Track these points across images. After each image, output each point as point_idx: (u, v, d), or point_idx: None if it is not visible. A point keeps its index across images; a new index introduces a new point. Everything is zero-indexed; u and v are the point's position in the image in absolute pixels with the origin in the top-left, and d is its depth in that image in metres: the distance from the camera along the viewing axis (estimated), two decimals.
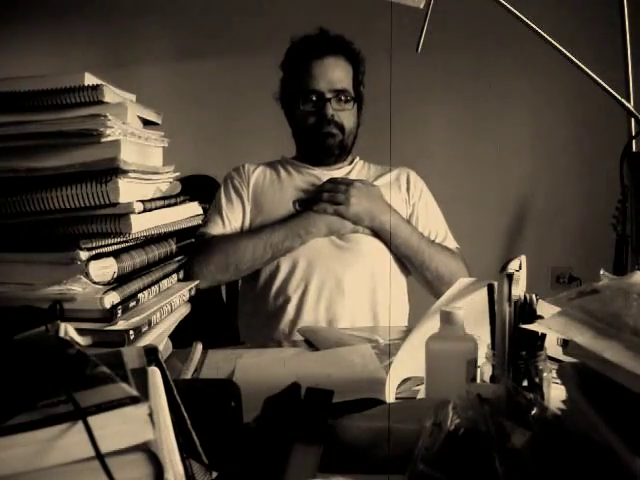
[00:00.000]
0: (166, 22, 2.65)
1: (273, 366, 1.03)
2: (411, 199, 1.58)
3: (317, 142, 1.53)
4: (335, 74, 1.49)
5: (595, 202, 2.36)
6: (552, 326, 0.59)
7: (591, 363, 0.55)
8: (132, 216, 0.81)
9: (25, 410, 0.43)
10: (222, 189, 1.56)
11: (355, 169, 1.61)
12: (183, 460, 0.49)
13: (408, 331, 1.26)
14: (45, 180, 0.79)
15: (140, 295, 0.88)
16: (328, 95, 1.48)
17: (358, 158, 1.64)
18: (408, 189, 1.59)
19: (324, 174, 1.55)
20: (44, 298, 0.77)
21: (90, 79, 0.83)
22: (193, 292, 1.09)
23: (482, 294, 0.80)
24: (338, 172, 1.58)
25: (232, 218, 1.51)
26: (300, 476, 0.62)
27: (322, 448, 0.67)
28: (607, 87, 1.19)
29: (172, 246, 1.01)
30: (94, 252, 0.80)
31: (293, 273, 1.42)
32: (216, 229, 1.49)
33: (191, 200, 1.06)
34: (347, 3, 2.38)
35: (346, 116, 1.52)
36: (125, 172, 0.81)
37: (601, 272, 0.68)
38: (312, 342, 1.18)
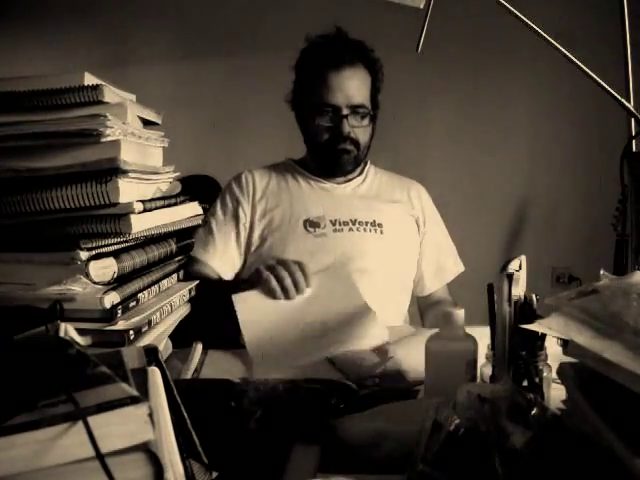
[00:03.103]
0: (166, 22, 2.65)
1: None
2: (425, 223, 1.55)
3: (331, 158, 1.48)
4: (353, 87, 1.42)
5: (595, 202, 2.36)
6: (552, 326, 0.59)
7: (591, 363, 0.55)
8: (132, 216, 0.81)
9: (25, 410, 0.43)
10: (218, 204, 1.51)
11: (367, 181, 1.56)
12: (183, 460, 0.49)
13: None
14: (45, 180, 0.79)
15: (140, 295, 0.88)
16: (345, 111, 1.42)
17: (369, 164, 1.60)
18: (421, 210, 1.56)
19: (334, 187, 1.52)
20: (44, 298, 0.77)
21: (90, 79, 0.83)
22: (193, 292, 1.09)
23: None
24: (349, 185, 1.54)
25: (223, 243, 1.46)
26: (300, 476, 0.62)
27: (322, 448, 0.67)
28: (607, 87, 1.19)
29: (172, 246, 1.01)
30: (94, 252, 0.80)
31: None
32: (205, 256, 1.45)
33: (191, 200, 1.06)
34: (349, 2, 2.38)
35: (362, 132, 1.47)
36: (125, 172, 0.81)
37: (601, 272, 0.69)
38: None
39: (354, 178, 1.55)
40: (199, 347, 1.07)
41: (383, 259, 1.45)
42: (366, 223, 1.47)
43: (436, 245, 1.57)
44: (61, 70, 0.86)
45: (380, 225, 1.47)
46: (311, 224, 1.45)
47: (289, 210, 1.48)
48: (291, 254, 1.41)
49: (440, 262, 1.57)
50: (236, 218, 1.49)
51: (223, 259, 1.47)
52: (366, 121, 1.46)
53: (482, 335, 0.80)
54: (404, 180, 1.61)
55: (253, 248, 1.48)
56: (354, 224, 1.46)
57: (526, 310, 0.74)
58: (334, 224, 1.46)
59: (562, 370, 0.62)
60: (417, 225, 1.55)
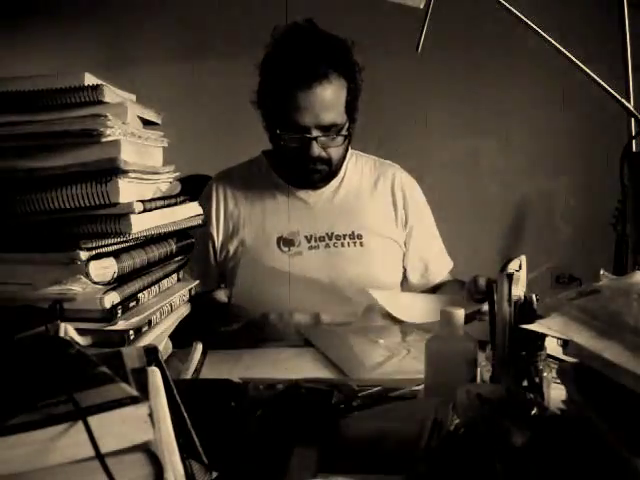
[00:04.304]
0: (166, 23, 2.64)
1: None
2: (409, 219, 1.45)
3: (300, 176, 1.37)
4: (324, 106, 1.26)
5: (595, 202, 2.36)
6: (552, 326, 0.59)
7: (591, 363, 0.55)
8: (132, 216, 0.81)
9: (25, 410, 0.43)
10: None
11: (345, 179, 1.44)
12: (183, 460, 0.49)
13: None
14: (45, 180, 0.79)
15: (140, 295, 0.88)
16: (315, 133, 1.27)
17: (349, 154, 1.45)
18: (405, 205, 1.45)
19: (309, 195, 1.41)
20: (44, 298, 0.77)
21: (90, 79, 0.83)
22: (193, 292, 1.09)
23: None
24: (325, 190, 1.42)
25: (197, 266, 1.36)
26: (301, 476, 0.62)
27: (322, 448, 0.67)
28: (607, 87, 1.19)
29: (172, 246, 1.01)
30: (94, 252, 0.80)
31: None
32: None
33: (191, 200, 1.06)
34: (349, 2, 2.38)
35: (334, 150, 1.33)
36: (125, 172, 0.81)
37: (601, 272, 0.69)
38: (313, 343, 1.18)
39: (331, 180, 1.42)
40: (199, 347, 1.07)
41: (363, 273, 1.37)
42: (344, 236, 1.39)
43: (420, 243, 1.46)
44: (61, 70, 0.85)
45: (360, 237, 1.39)
46: (285, 242, 1.37)
47: (262, 227, 1.39)
48: (266, 276, 1.35)
49: (425, 261, 1.47)
50: (208, 238, 1.41)
51: (201, 282, 1.37)
52: (339, 140, 1.32)
53: None
54: (387, 167, 1.49)
55: (229, 267, 1.41)
56: (331, 239, 1.38)
57: (526, 310, 0.74)
58: (309, 240, 1.38)
59: (562, 370, 0.62)
60: (400, 222, 1.45)
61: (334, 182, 1.43)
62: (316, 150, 1.30)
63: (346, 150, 1.40)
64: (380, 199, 1.45)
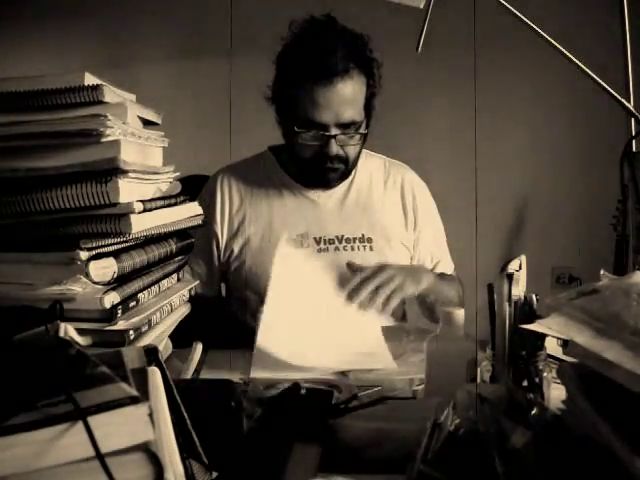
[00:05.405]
0: (166, 22, 2.65)
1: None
2: (418, 223, 1.43)
3: (315, 175, 1.34)
4: (344, 103, 1.24)
5: (595, 202, 2.36)
6: (552, 326, 0.59)
7: (591, 363, 0.55)
8: (132, 216, 0.81)
9: (25, 410, 0.43)
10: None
11: (356, 180, 1.41)
12: (183, 460, 0.49)
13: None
14: (45, 180, 0.79)
15: (140, 295, 0.88)
16: (333, 131, 1.25)
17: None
18: (415, 208, 1.44)
19: (319, 195, 1.38)
20: (44, 298, 0.77)
21: (90, 79, 0.83)
22: (193, 292, 1.09)
23: None
24: (336, 191, 1.39)
25: (199, 267, 1.36)
26: (300, 476, 0.62)
27: (322, 448, 0.67)
28: (607, 87, 1.19)
29: (172, 246, 1.01)
30: (94, 252, 0.80)
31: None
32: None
33: (191, 200, 1.06)
34: (351, 2, 2.38)
35: (352, 148, 1.31)
36: (125, 172, 0.81)
37: (601, 272, 0.69)
38: None
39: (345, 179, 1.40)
40: (199, 347, 1.07)
41: None
42: (354, 240, 1.36)
43: (428, 247, 1.46)
44: (61, 70, 0.85)
45: (370, 240, 1.37)
46: (293, 244, 1.32)
47: (269, 226, 1.35)
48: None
49: (430, 264, 1.45)
50: (212, 237, 1.38)
51: (204, 282, 1.37)
52: (357, 138, 1.30)
53: None
54: (397, 168, 1.47)
55: (232, 268, 1.37)
56: (340, 242, 1.35)
57: (526, 310, 0.74)
58: (319, 243, 1.34)
59: (562, 370, 0.62)
60: (410, 226, 1.44)
61: (345, 182, 1.40)
62: (334, 148, 1.27)
63: (362, 146, 1.36)
64: (390, 201, 1.43)
